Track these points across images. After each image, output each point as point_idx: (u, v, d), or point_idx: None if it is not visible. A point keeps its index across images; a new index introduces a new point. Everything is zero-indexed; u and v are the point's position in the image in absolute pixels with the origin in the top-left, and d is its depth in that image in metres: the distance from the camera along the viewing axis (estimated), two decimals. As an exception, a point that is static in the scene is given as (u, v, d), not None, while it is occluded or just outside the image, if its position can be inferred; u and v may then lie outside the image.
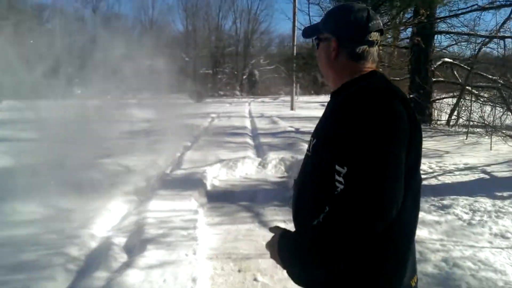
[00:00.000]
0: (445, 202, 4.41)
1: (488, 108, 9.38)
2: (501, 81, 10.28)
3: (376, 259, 1.06)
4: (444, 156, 6.99)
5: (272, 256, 1.15)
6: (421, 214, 3.94)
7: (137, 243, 3.48)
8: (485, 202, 4.37)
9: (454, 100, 11.81)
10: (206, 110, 19.50)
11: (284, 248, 1.09)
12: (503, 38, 10.77)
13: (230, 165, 6.61)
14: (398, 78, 12.38)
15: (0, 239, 3.48)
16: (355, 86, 1.13)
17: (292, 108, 21.39)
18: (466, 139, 8.79)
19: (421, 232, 3.56)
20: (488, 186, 5.13)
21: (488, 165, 6.27)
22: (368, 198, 0.93)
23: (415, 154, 1.08)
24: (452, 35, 12.18)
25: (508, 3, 10.28)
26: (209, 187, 5.59)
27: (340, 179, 0.98)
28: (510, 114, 8.92)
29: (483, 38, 11.29)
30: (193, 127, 11.79)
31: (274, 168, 6.67)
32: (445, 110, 12.13)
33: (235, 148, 8.34)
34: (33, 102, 8.68)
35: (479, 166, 6.20)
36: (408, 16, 10.66)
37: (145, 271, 2.87)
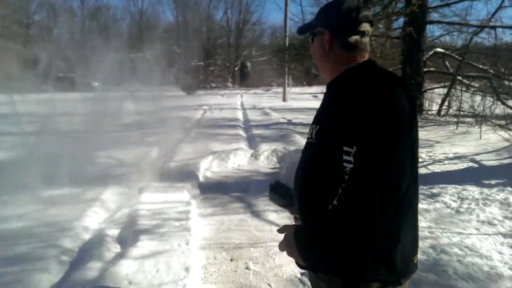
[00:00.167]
0: (434, 190, 4.49)
1: (478, 98, 9.45)
2: (491, 71, 10.36)
3: (393, 232, 1.09)
4: (435, 146, 7.06)
5: (289, 254, 1.15)
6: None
7: (130, 234, 3.50)
8: (473, 190, 4.45)
9: (445, 90, 11.88)
10: (198, 102, 19.46)
11: (302, 241, 1.10)
12: (494, 27, 10.78)
13: (223, 156, 6.63)
14: (390, 69, 12.41)
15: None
16: (354, 73, 1.18)
17: (284, 100, 21.35)
18: (457, 128, 8.89)
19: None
20: (476, 174, 5.22)
21: (477, 154, 6.36)
22: (380, 171, 0.98)
23: (416, 129, 1.14)
24: (444, 24, 12.21)
25: (499, -8, 10.31)
26: (201, 179, 5.62)
27: (350, 158, 1.01)
28: (500, 103, 9.00)
29: (475, 28, 11.34)
30: (185, 119, 11.75)
31: (266, 159, 6.71)
32: (436, 100, 12.21)
33: (228, 140, 8.35)
34: (14, 95, 8.57)
35: (468, 155, 6.29)
36: (401, 6, 10.68)
37: (138, 261, 2.91)
